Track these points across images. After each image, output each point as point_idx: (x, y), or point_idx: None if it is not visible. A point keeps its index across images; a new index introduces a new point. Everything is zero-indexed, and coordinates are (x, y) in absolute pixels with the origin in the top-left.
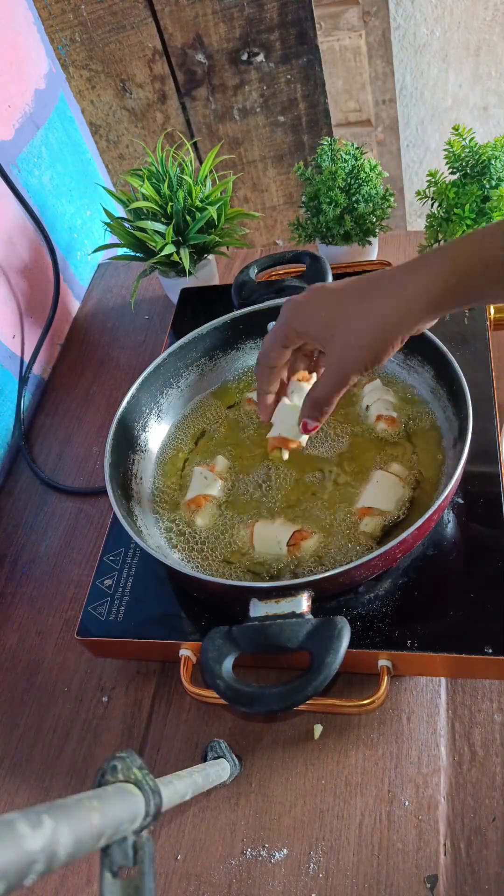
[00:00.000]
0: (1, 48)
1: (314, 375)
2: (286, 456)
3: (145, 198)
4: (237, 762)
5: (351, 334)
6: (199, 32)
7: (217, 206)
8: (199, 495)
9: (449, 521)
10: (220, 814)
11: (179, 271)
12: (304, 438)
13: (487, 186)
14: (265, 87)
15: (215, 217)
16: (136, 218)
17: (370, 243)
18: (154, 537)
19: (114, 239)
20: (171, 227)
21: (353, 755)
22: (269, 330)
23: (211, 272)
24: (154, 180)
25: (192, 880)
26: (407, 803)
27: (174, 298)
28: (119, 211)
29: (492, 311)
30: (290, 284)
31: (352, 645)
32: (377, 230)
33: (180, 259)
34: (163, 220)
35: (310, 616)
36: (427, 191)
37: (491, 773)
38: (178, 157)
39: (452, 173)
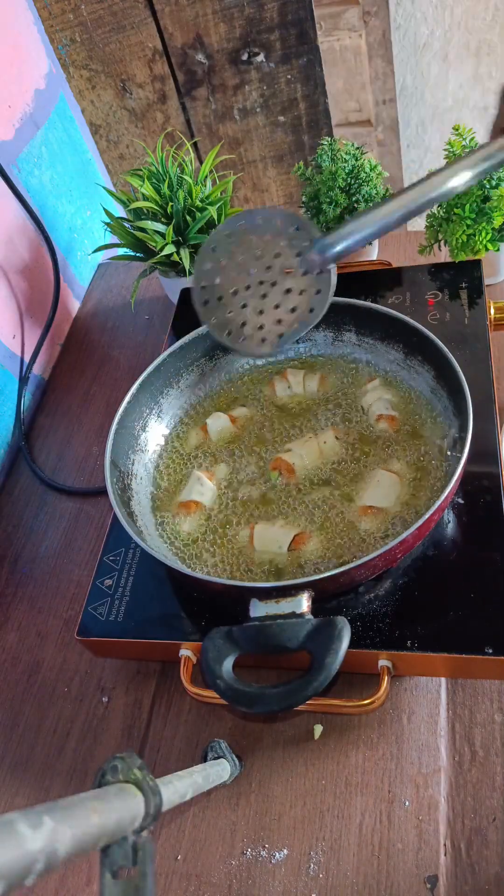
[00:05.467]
0: (1, 48)
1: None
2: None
3: (145, 198)
4: (237, 762)
5: None
6: (199, 32)
7: (217, 206)
8: (191, 500)
9: (449, 521)
10: (220, 814)
11: (179, 271)
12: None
13: (487, 186)
14: (265, 87)
15: (215, 217)
16: (137, 218)
17: (370, 243)
18: (154, 537)
19: (114, 239)
20: (171, 227)
21: (354, 755)
22: None
23: None
24: (154, 180)
25: (192, 880)
26: (407, 803)
27: (174, 298)
28: (119, 211)
29: (492, 310)
30: None
31: (352, 645)
32: None
33: (180, 259)
34: (163, 220)
35: (310, 616)
36: None
37: (491, 774)
38: (179, 157)
39: None
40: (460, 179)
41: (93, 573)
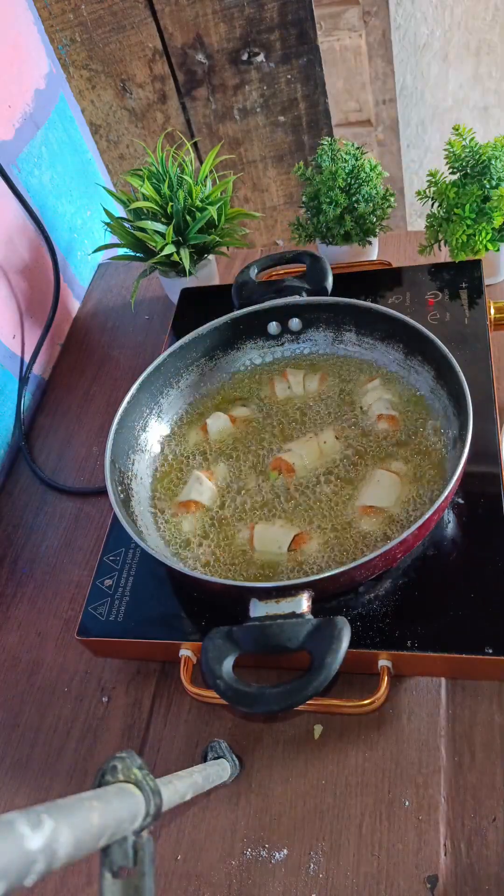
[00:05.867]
0: (1, 48)
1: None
2: (281, 480)
3: (145, 198)
4: (237, 762)
5: None
6: (199, 32)
7: (217, 206)
8: (190, 500)
9: (449, 521)
10: (220, 814)
11: (179, 271)
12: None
13: (488, 186)
14: (265, 87)
15: (215, 217)
16: (137, 218)
17: (370, 243)
18: (154, 537)
19: (114, 239)
20: (171, 227)
21: (354, 755)
22: (269, 331)
23: (211, 272)
24: (154, 180)
25: (192, 880)
26: (407, 803)
27: (174, 298)
28: (119, 211)
29: (492, 310)
30: (291, 284)
31: (352, 645)
32: (377, 230)
33: (180, 259)
34: (163, 220)
35: (310, 616)
36: (427, 191)
37: (491, 774)
38: (179, 157)
39: (453, 173)
40: None
41: (93, 573)
